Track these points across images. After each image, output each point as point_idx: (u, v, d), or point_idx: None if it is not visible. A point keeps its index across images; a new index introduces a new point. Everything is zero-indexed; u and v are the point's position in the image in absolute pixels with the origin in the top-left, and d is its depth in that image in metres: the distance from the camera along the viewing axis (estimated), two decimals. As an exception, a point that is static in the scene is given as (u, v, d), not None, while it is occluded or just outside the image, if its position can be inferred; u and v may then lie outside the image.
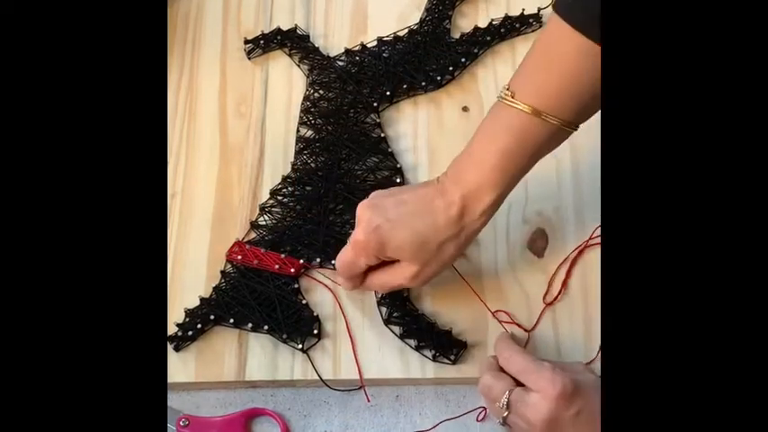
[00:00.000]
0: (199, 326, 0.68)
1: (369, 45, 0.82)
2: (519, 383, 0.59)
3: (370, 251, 0.62)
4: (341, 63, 0.81)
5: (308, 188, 0.75)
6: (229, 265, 0.71)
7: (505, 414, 0.58)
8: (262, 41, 0.83)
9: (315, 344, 0.68)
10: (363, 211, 0.62)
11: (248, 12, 0.85)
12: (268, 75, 0.82)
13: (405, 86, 0.79)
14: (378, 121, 0.78)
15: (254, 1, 0.86)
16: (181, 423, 0.66)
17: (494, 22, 0.82)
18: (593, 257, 0.71)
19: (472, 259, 0.71)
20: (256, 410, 0.67)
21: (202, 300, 0.70)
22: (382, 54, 0.81)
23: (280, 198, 0.75)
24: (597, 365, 0.66)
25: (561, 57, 0.58)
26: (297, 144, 0.77)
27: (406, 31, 0.83)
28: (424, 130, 0.78)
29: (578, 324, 0.68)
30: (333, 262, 0.68)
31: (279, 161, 0.77)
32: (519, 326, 0.68)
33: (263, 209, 0.74)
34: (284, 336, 0.68)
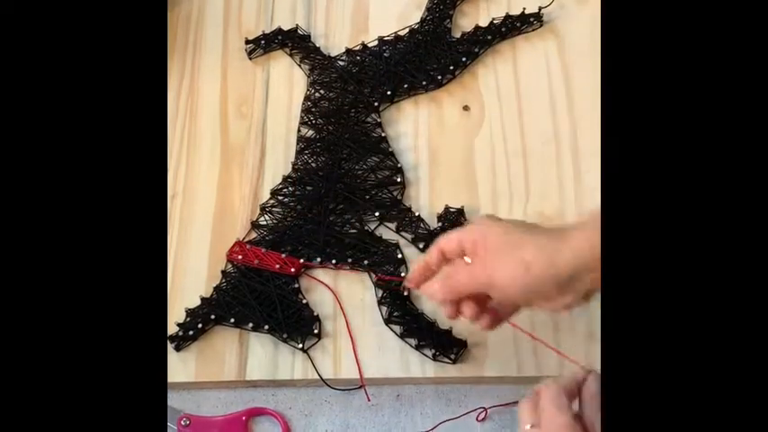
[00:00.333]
0: (200, 325, 0.69)
1: (369, 45, 0.82)
2: None
3: None
4: (342, 63, 0.81)
5: (308, 188, 0.75)
6: (230, 265, 0.71)
7: None
8: (263, 42, 0.83)
9: (315, 343, 0.68)
10: None
11: (249, 12, 0.86)
12: (269, 75, 0.82)
13: (405, 86, 0.79)
14: (378, 120, 0.78)
15: (255, 1, 0.86)
16: (182, 422, 0.66)
17: (495, 22, 0.82)
18: (594, 257, 0.71)
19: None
20: (257, 410, 0.67)
21: (203, 299, 0.70)
22: (383, 54, 0.81)
23: (280, 198, 0.75)
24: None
25: None
26: (298, 144, 0.77)
27: (407, 30, 0.83)
28: (424, 130, 0.78)
29: (578, 324, 0.68)
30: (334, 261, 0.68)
31: (280, 161, 0.77)
32: (516, 326, 0.68)
33: (263, 209, 0.74)
34: (285, 335, 0.68)
